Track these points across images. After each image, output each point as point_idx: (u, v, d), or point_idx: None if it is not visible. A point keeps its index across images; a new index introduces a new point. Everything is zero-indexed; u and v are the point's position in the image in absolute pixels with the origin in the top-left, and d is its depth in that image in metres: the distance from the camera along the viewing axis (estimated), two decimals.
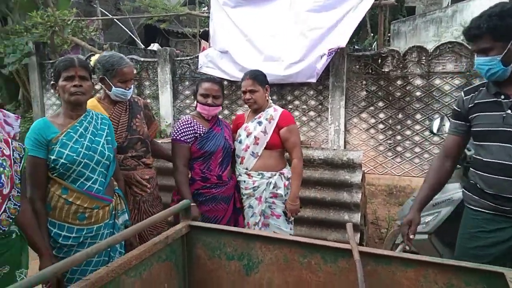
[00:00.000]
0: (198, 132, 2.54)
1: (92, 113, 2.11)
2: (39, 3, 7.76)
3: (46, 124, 1.95)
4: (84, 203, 1.96)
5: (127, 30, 11.76)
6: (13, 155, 1.68)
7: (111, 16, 10.48)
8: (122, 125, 2.39)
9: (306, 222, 3.55)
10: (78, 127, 2.00)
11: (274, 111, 2.67)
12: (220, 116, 2.81)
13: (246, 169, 2.64)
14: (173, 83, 6.14)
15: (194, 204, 2.55)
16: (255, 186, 2.62)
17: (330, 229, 3.52)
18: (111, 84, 2.35)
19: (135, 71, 2.24)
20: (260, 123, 2.64)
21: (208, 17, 6.26)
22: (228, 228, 1.75)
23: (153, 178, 2.56)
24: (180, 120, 2.61)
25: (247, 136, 2.64)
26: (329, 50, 5.12)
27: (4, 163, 1.60)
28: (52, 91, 6.53)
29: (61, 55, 7.09)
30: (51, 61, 6.86)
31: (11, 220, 1.61)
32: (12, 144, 1.72)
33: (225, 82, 5.76)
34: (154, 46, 11.22)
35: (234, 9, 5.83)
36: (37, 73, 7.06)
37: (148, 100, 6.34)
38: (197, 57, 6.07)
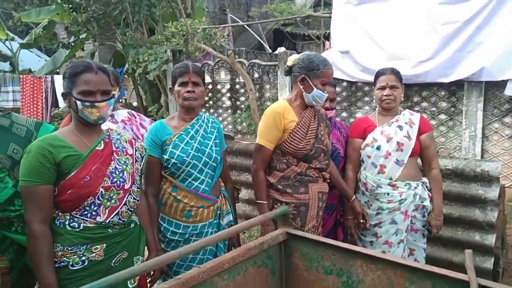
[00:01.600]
0: None
1: (204, 117, 2.22)
2: (178, 14, 8.63)
3: (162, 126, 2.12)
4: (190, 201, 2.07)
5: (256, 36, 12.27)
6: (135, 154, 1.86)
7: (239, 23, 11.09)
8: (311, 131, 2.22)
9: (428, 239, 3.18)
10: (190, 129, 2.12)
11: (411, 115, 2.48)
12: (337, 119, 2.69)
13: (390, 179, 2.41)
14: (291, 85, 6.19)
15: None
16: (402, 199, 2.40)
17: (457, 250, 3.09)
18: (312, 85, 2.18)
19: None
20: (400, 127, 2.43)
21: (331, 17, 6.12)
22: (327, 241, 1.66)
23: (326, 194, 2.34)
24: None
25: (388, 142, 2.42)
26: None
27: (127, 161, 1.78)
28: None
29: (194, 61, 7.74)
30: None
31: (130, 212, 1.78)
32: (135, 144, 1.90)
33: (344, 83, 5.57)
34: (281, 50, 11.49)
35: (357, 7, 5.59)
36: None
37: (268, 103, 6.51)
38: None
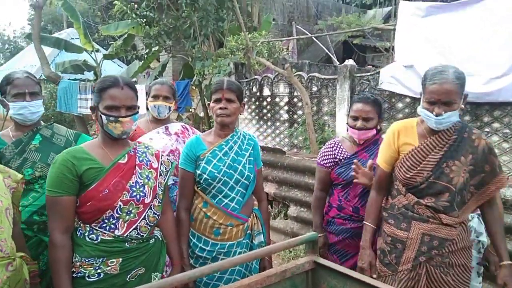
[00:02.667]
0: (338, 157, 2.31)
1: (240, 133, 2.17)
2: (244, 27, 8.79)
3: (198, 141, 2.11)
4: (219, 218, 2.02)
5: (324, 48, 12.12)
6: (160, 168, 1.85)
7: (304, 35, 11.02)
8: (428, 161, 1.86)
9: (489, 277, 2.82)
10: (224, 146, 2.08)
11: None
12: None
13: None
14: (350, 100, 5.95)
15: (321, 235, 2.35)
16: None
17: None
18: (422, 103, 1.85)
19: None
20: None
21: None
22: (355, 275, 1.53)
23: (454, 242, 1.89)
24: (326, 143, 2.44)
25: None
26: None
27: (150, 175, 1.77)
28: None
29: (256, 75, 7.79)
30: (246, 80, 7.64)
31: (149, 227, 1.76)
32: (161, 158, 1.89)
33: (407, 99, 5.22)
34: (349, 62, 11.27)
35: (424, 19, 5.25)
36: None
37: (326, 117, 6.31)
38: (378, 72, 5.72)
